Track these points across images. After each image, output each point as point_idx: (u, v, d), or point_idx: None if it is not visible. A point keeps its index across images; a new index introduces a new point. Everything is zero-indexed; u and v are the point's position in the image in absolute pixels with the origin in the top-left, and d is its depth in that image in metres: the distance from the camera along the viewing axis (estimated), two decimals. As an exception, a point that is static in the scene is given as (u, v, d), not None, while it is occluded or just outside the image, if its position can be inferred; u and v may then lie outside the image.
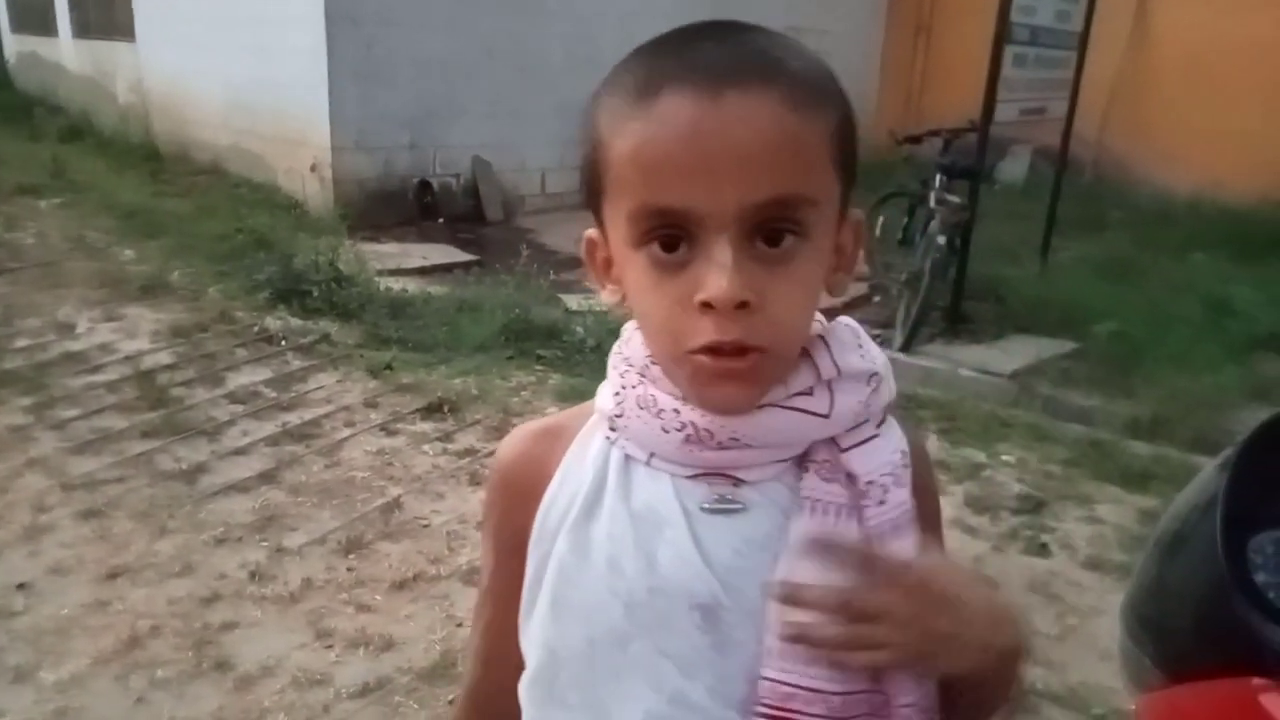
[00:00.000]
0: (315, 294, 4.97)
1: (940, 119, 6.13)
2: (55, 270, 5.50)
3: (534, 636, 0.74)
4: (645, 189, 0.61)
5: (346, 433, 3.62)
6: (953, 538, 3.08)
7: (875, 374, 0.69)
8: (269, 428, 3.63)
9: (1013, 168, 8.75)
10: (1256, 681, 0.69)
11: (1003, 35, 4.90)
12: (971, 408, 4.16)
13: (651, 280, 0.63)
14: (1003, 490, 3.39)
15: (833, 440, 0.68)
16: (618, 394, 0.71)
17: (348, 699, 2.23)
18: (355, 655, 2.38)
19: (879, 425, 0.70)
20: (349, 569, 2.74)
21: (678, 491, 0.69)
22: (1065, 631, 2.62)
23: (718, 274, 0.59)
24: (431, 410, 3.84)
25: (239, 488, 3.17)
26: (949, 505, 3.28)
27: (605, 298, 0.72)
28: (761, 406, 0.66)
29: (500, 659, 0.78)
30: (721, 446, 0.67)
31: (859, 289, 5.86)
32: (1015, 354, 4.70)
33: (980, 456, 3.69)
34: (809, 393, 0.67)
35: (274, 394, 3.96)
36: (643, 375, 0.70)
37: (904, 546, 0.67)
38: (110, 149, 8.97)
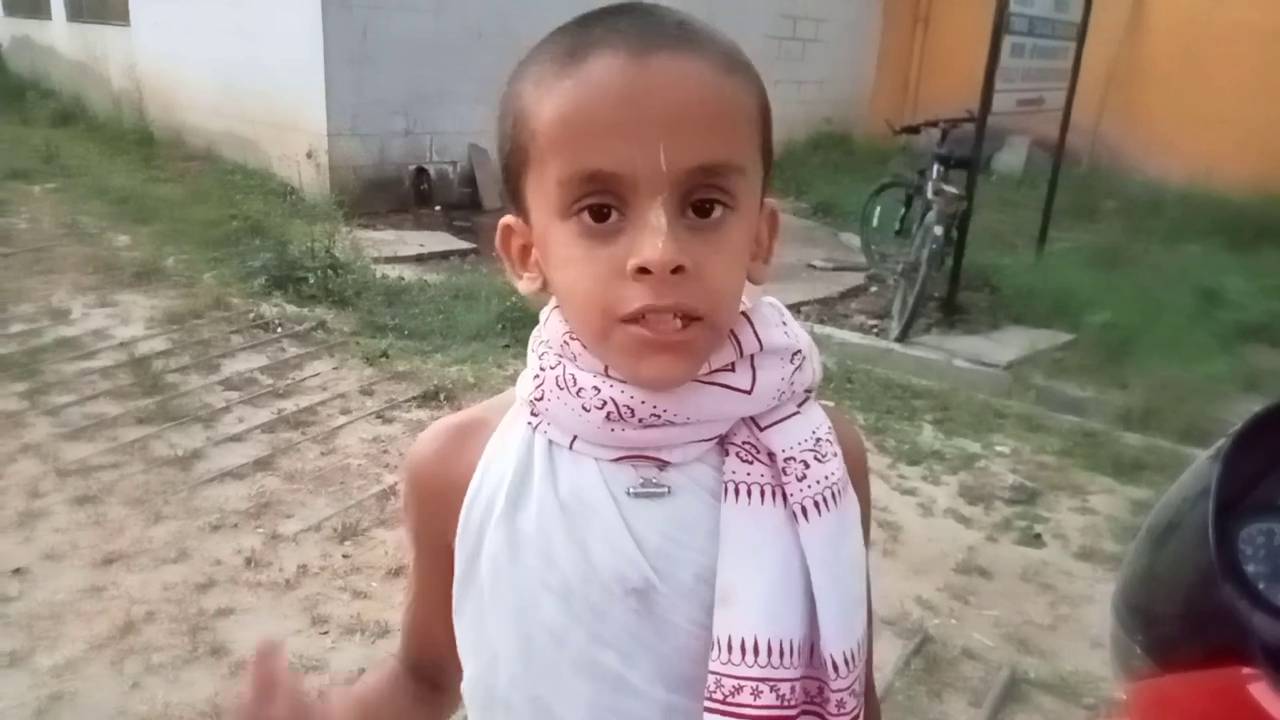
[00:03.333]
0: (311, 281, 4.95)
1: (938, 109, 6.14)
2: (48, 255, 5.48)
3: (470, 639, 0.73)
4: (576, 152, 0.59)
5: (342, 420, 3.62)
6: (947, 527, 3.10)
7: (798, 351, 0.69)
8: (264, 414, 3.63)
9: (1010, 158, 8.75)
10: (1246, 671, 0.69)
11: (1001, 25, 4.90)
12: (966, 398, 4.17)
13: (580, 250, 0.61)
14: (997, 480, 3.41)
15: (753, 420, 0.68)
16: (537, 376, 0.69)
17: (343, 685, 2.23)
18: (350, 641, 2.38)
19: (800, 405, 0.69)
20: (344, 556, 2.74)
21: (604, 477, 0.68)
22: (1057, 621, 2.63)
23: (652, 238, 0.58)
24: (427, 398, 3.84)
25: (234, 474, 3.17)
26: (944, 494, 3.30)
27: (522, 287, 0.70)
28: None
29: (427, 642, 0.79)
30: (644, 425, 0.65)
31: (855, 279, 5.87)
32: (1010, 345, 4.71)
33: (975, 447, 3.70)
34: (730, 369, 0.66)
35: (270, 381, 3.95)
36: (560, 355, 0.68)
37: (829, 521, 0.66)
38: (103, 133, 8.92)
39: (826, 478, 0.67)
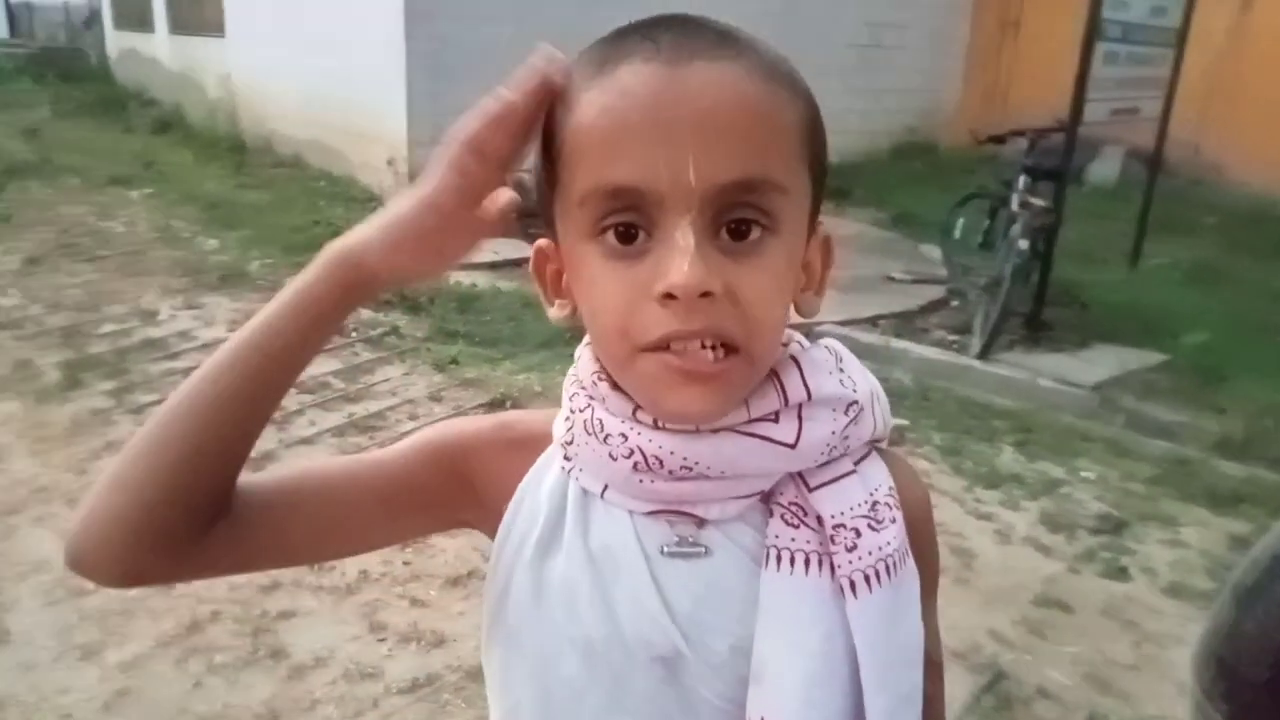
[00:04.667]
0: (386, 287, 5.03)
1: (1028, 118, 5.93)
2: (141, 258, 5.70)
3: (497, 683, 0.69)
4: (599, 166, 0.55)
5: (410, 425, 3.65)
6: (1026, 556, 2.97)
7: (854, 402, 0.62)
8: (335, 418, 3.69)
9: (1104, 169, 8.43)
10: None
11: (1093, 32, 4.72)
12: (1050, 419, 4.00)
13: (605, 272, 0.56)
14: (1081, 508, 3.25)
15: (802, 477, 0.61)
16: (568, 419, 0.65)
17: (397, 694, 2.23)
18: (406, 650, 2.39)
19: (858, 462, 0.63)
20: (405, 563, 2.75)
21: (637, 531, 0.62)
22: (1141, 661, 2.48)
23: (679, 259, 0.53)
24: (494, 405, 3.84)
25: (303, 477, 3.22)
26: (1023, 521, 3.16)
27: (552, 314, 0.65)
28: (717, 430, 0.59)
29: (290, 489, 0.67)
30: (674, 477, 0.59)
31: (935, 293, 5.71)
32: (1098, 364, 4.51)
33: (1058, 472, 3.54)
34: (773, 419, 0.60)
35: (342, 385, 4.01)
36: (591, 397, 0.63)
37: (881, 599, 0.59)
38: (198, 141, 9.26)
39: (880, 548, 0.60)
